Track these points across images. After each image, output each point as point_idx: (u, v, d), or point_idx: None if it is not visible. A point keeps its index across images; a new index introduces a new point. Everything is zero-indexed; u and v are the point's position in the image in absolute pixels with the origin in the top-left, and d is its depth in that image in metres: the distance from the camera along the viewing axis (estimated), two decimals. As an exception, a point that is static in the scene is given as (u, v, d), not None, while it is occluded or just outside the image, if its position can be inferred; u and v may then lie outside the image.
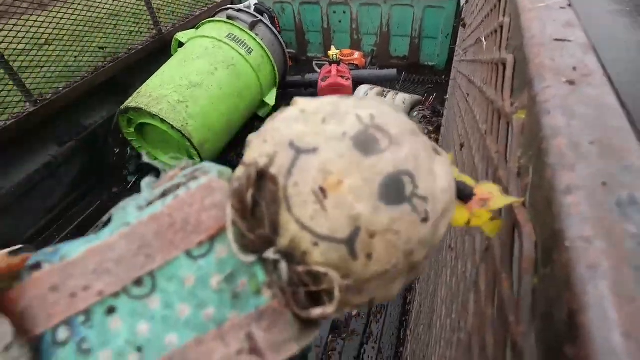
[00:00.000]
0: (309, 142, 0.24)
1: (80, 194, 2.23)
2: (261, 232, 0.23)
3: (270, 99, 2.65)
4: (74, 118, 2.18)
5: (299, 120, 0.26)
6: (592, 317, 0.16)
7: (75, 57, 2.19)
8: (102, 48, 2.40)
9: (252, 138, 0.27)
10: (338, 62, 2.73)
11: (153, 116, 1.97)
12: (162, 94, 2.03)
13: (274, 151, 0.24)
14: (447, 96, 2.00)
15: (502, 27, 0.58)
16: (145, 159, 0.30)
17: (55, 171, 2.07)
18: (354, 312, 1.54)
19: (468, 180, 0.31)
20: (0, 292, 0.22)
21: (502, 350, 0.27)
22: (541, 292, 0.22)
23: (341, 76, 2.71)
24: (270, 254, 0.23)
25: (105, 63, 2.33)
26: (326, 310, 0.23)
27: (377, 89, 2.61)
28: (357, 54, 3.13)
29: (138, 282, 0.23)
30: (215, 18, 2.52)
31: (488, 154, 0.48)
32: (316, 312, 0.23)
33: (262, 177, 0.24)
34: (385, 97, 2.54)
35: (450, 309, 0.63)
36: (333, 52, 2.73)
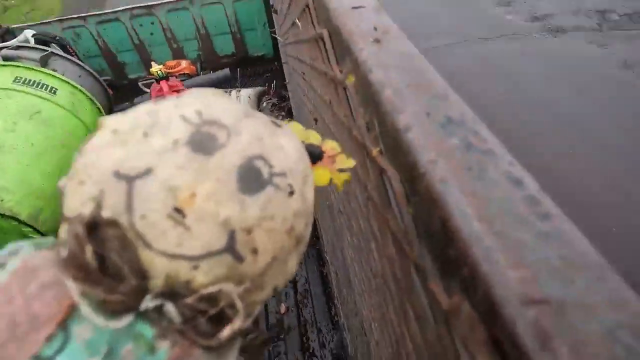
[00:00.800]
0: (138, 165, 0.21)
1: None
2: (125, 285, 0.20)
3: (104, 136, 2.30)
4: None
5: (115, 143, 0.22)
6: (456, 217, 0.20)
7: None
8: None
9: (63, 183, 0.22)
10: (166, 77, 2.54)
11: (-56, 209, 1.49)
12: (-55, 177, 1.54)
13: (99, 190, 0.21)
14: (287, 80, 2.10)
15: (307, 5, 0.64)
16: None
17: None
18: (283, 310, 1.54)
19: (314, 138, 0.32)
20: None
21: (409, 275, 0.32)
22: (418, 216, 0.27)
23: (175, 91, 2.54)
24: (147, 303, 0.20)
25: None
26: (234, 324, 0.21)
27: (252, 89, 2.65)
28: (184, 63, 2.96)
29: None
30: (-13, 64, 2.00)
31: (339, 120, 0.53)
32: (225, 332, 0.21)
33: (96, 227, 0.20)
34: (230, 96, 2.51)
35: (361, 263, 0.69)
36: (155, 68, 2.52)
